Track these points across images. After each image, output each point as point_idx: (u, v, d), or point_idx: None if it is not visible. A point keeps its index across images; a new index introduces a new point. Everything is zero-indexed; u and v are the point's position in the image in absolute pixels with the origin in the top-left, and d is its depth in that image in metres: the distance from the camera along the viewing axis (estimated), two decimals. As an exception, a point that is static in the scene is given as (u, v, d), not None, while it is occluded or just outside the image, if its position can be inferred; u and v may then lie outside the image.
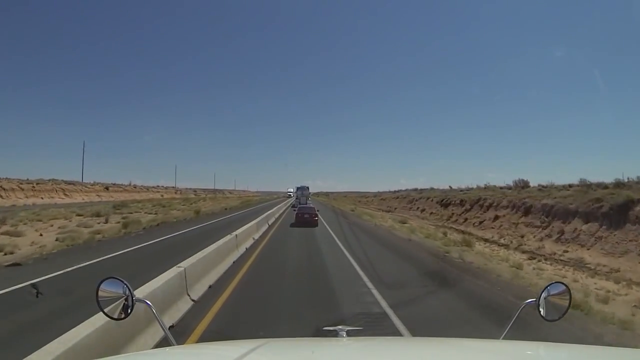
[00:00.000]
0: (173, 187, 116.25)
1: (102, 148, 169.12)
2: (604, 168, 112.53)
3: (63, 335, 3.15)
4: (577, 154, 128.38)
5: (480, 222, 26.08)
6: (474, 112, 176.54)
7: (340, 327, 1.99)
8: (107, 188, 75.57)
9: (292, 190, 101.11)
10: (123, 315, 1.80)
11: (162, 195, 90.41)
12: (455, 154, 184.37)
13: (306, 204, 35.47)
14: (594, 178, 23.42)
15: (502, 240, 21.32)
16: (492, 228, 23.67)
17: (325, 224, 23.29)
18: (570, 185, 23.24)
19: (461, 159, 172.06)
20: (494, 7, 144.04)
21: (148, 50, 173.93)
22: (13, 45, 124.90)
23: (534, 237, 19.95)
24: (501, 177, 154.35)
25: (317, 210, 25.17)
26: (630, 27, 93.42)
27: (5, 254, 11.14)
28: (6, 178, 52.26)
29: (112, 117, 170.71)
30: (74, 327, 3.33)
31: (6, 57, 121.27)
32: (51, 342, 3.02)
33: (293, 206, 40.10)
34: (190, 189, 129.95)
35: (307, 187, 69.50)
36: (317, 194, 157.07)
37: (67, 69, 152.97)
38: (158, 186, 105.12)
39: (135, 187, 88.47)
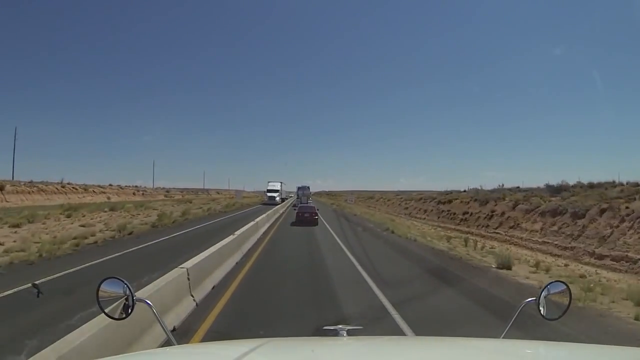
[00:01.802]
0: (136, 186, 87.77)
1: (99, 150, 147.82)
2: (603, 167, 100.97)
3: (66, 336, 3.11)
4: (576, 153, 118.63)
5: None
6: (473, 110, 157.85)
7: (340, 326, 1.89)
8: (1, 188, 46.81)
9: (277, 188, 62.15)
10: (124, 315, 1.75)
11: (108, 198, 62.43)
12: (454, 153, 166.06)
13: (307, 203, 35.50)
14: (593, 178, 13.00)
15: None
16: None
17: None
18: None
19: (460, 157, 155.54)
20: (493, 7, 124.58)
21: (145, 49, 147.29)
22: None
23: None
24: (500, 176, 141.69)
25: (317, 209, 25.99)
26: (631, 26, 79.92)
27: None
28: None
29: (107, 117, 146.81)
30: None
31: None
32: (53, 343, 2.97)
33: (294, 206, 38.72)
34: (163, 188, 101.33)
35: (308, 187, 65.73)
36: (320, 194, 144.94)
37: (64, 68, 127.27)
38: (110, 185, 76.65)
39: (64, 187, 59.66)
